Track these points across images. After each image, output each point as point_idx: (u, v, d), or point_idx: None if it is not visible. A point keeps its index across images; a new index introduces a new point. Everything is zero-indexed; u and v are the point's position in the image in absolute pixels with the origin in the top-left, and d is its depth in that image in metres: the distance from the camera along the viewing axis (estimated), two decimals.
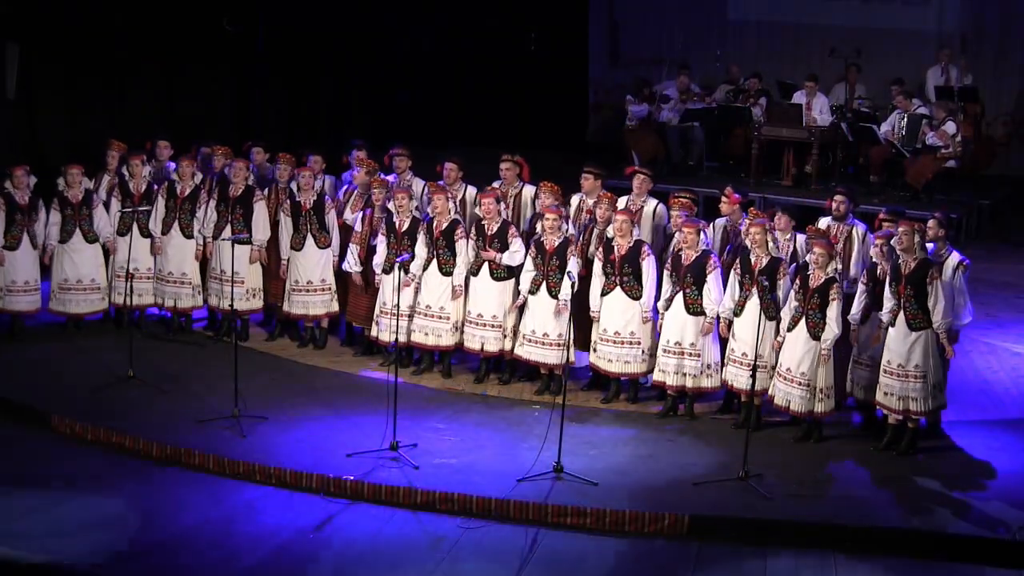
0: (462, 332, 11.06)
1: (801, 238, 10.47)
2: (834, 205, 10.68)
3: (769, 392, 10.02)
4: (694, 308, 10.22)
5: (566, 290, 10.29)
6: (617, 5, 20.32)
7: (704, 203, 14.61)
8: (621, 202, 11.02)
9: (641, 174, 11.27)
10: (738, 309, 10.13)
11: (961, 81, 17.08)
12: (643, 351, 10.50)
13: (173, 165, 12.25)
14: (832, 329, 9.69)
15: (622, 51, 20.34)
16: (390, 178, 11.74)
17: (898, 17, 18.54)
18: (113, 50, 15.66)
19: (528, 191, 11.46)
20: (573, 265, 10.51)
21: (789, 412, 9.89)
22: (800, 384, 9.79)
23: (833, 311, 9.68)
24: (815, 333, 9.73)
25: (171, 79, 16.51)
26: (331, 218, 11.58)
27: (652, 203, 11.19)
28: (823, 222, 10.73)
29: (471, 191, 11.62)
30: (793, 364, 9.81)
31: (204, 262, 11.96)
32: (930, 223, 9.99)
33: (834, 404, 9.92)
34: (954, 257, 9.96)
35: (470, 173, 11.86)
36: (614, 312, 10.51)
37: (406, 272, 10.86)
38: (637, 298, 10.43)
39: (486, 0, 19.74)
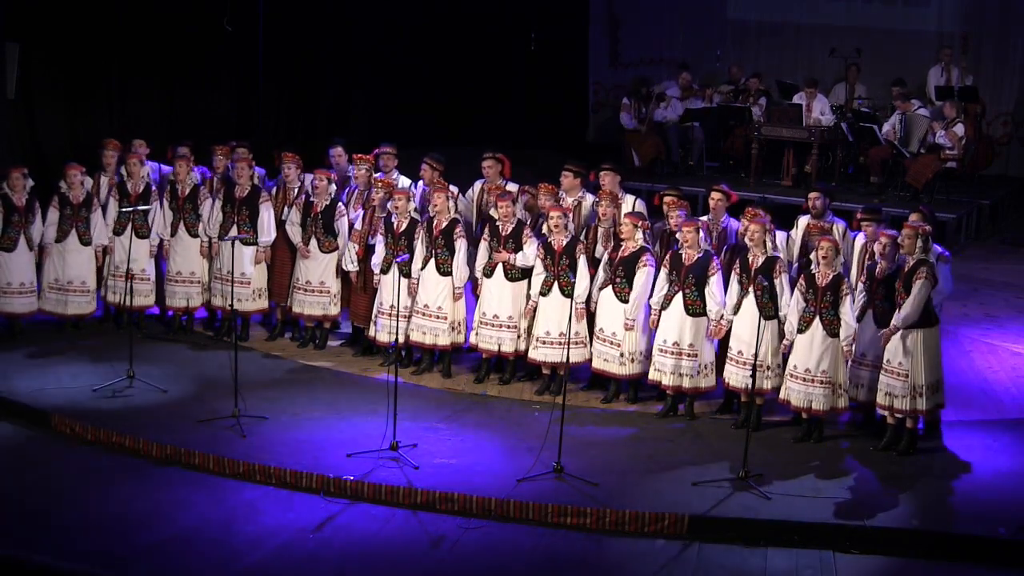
0: (471, 332, 11.04)
1: (781, 236, 10.51)
2: (809, 202, 10.77)
3: (782, 396, 10.01)
4: (694, 309, 10.20)
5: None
6: (617, 5, 20.33)
7: (703, 203, 14.62)
8: (627, 203, 10.99)
9: (604, 169, 11.14)
10: (736, 308, 10.14)
11: (961, 81, 17.08)
12: (622, 354, 10.47)
13: (156, 165, 12.24)
14: (849, 325, 9.72)
15: (622, 51, 20.34)
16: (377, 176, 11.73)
17: (898, 17, 18.55)
18: (113, 50, 15.67)
19: (511, 188, 11.44)
20: (582, 265, 10.49)
21: (811, 413, 9.86)
22: (822, 383, 9.78)
23: (846, 307, 9.71)
24: (832, 331, 9.74)
25: (171, 79, 16.51)
26: (341, 224, 11.54)
27: (630, 200, 11.14)
28: (803, 221, 10.77)
29: (452, 190, 11.57)
30: (812, 364, 9.78)
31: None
32: (913, 217, 10.02)
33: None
34: (935, 250, 9.98)
35: (471, 173, 11.85)
36: (602, 310, 10.51)
37: (407, 275, 10.86)
38: (624, 301, 10.40)
39: (486, 0, 19.75)
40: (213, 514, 8.66)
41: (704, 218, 10.86)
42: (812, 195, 10.82)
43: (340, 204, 11.61)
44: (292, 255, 11.76)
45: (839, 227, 10.69)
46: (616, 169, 11.32)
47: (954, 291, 10.80)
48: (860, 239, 10.47)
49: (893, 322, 9.58)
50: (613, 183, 11.11)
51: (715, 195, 10.87)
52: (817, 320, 9.76)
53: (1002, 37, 18.16)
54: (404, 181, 11.81)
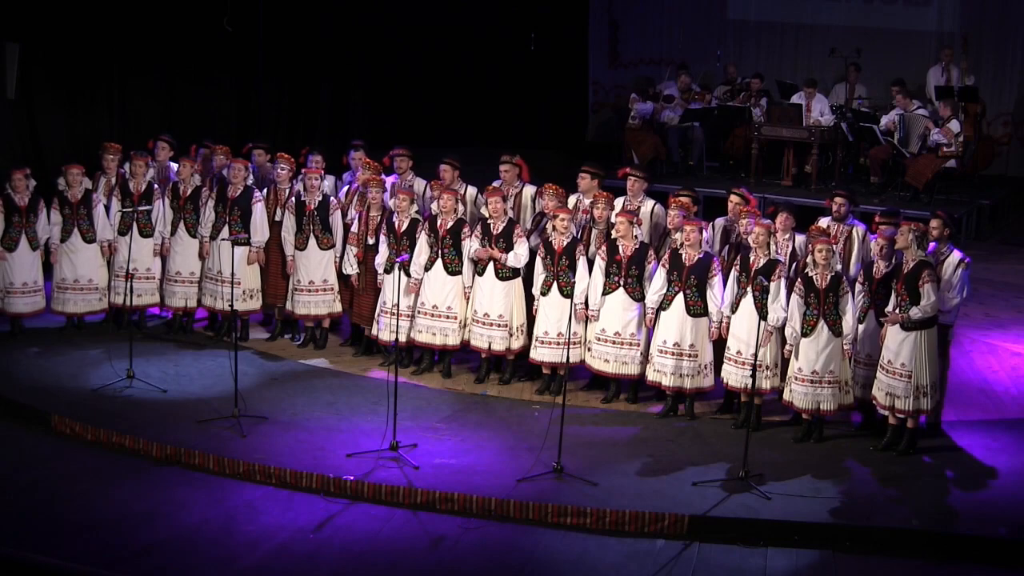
0: (468, 331, 11.05)
1: (800, 239, 10.49)
2: (834, 207, 10.71)
3: (785, 398, 10.03)
4: (695, 310, 10.21)
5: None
6: (617, 5, 20.34)
7: (704, 203, 14.63)
8: (618, 203, 11.01)
9: (633, 175, 11.21)
10: (734, 307, 10.14)
11: (962, 81, 17.08)
12: (641, 353, 10.50)
13: (175, 165, 12.27)
14: (850, 324, 9.75)
15: (622, 51, 20.35)
16: (391, 179, 11.74)
17: (898, 17, 18.56)
18: (113, 50, 15.67)
19: (528, 191, 11.46)
20: (582, 265, 10.49)
21: (819, 414, 9.89)
22: (830, 383, 9.83)
23: (847, 305, 9.72)
24: (837, 332, 9.78)
25: (171, 79, 16.52)
26: (335, 219, 11.57)
27: (649, 203, 11.16)
28: (823, 222, 10.74)
29: (471, 191, 11.63)
30: (820, 366, 9.80)
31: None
32: (933, 222, 10.01)
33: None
34: (955, 255, 9.96)
35: (471, 173, 11.86)
36: (615, 312, 10.50)
37: (407, 274, 10.86)
38: (639, 299, 10.42)
39: (486, 0, 19.76)
40: (213, 514, 8.66)
41: (720, 220, 10.87)
42: (837, 200, 10.67)
43: (332, 200, 11.62)
44: (286, 256, 11.77)
45: (859, 230, 10.63)
46: (645, 176, 11.34)
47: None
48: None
49: (907, 313, 9.53)
50: (640, 188, 11.14)
51: (733, 198, 10.86)
52: (822, 322, 9.77)
53: (1002, 37, 18.17)
54: (419, 183, 11.81)
